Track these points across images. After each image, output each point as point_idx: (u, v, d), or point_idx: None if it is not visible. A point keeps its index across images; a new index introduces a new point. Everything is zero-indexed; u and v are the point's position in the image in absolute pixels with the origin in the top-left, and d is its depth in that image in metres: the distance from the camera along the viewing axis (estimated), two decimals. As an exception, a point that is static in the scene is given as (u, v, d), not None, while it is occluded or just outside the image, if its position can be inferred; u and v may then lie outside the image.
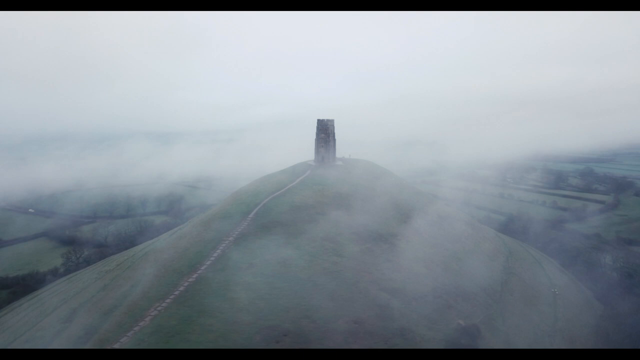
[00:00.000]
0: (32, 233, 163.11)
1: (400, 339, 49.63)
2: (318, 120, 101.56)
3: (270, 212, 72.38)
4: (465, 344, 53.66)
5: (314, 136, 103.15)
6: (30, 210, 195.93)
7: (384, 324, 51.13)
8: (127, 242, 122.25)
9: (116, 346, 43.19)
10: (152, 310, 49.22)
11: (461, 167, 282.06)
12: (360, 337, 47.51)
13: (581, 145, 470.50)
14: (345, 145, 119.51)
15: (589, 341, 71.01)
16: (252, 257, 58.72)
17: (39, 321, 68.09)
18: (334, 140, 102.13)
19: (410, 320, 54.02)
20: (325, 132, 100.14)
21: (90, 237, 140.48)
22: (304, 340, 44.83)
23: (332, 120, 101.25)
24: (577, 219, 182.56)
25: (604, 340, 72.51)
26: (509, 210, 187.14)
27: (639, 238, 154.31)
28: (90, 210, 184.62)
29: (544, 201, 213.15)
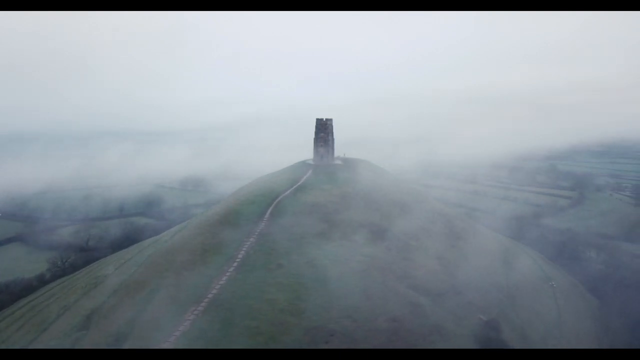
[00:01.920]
0: (2, 238, 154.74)
1: (437, 336, 50.51)
2: (317, 119, 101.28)
3: (285, 211, 71.85)
4: (493, 337, 55.22)
5: (302, 135, 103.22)
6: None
7: (419, 321, 51.89)
8: (114, 245, 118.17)
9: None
10: (188, 314, 47.96)
11: (434, 166, 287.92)
12: (401, 336, 48.03)
13: (542, 143, 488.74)
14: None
15: (591, 332, 74.25)
16: (278, 258, 58.22)
17: (45, 329, 65.16)
18: (333, 139, 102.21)
19: (439, 316, 55.03)
20: (324, 131, 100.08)
21: (72, 240, 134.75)
22: (350, 340, 44.93)
23: (331, 120, 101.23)
24: (550, 214, 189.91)
25: (604, 330, 76.02)
26: (486, 207, 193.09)
27: (609, 231, 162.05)
28: (66, 213, 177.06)
29: (516, 197, 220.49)
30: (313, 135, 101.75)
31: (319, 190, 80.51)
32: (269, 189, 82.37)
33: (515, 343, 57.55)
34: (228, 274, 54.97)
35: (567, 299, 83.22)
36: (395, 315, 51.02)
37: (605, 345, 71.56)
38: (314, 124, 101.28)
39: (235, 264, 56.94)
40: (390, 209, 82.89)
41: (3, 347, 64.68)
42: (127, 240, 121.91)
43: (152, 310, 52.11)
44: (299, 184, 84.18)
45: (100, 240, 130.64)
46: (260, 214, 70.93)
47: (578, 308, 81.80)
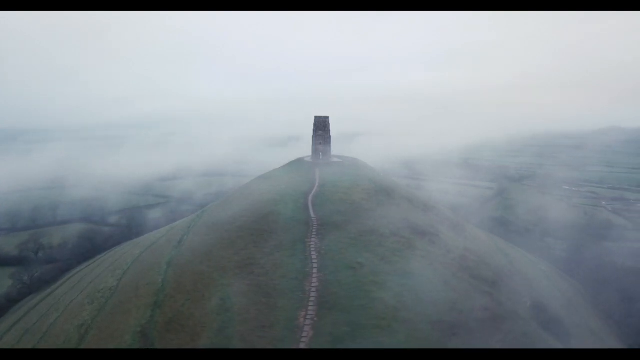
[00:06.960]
0: None
1: (520, 321, 54.02)
2: (315, 117, 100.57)
3: (327, 211, 70.58)
4: (551, 319, 60.29)
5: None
6: None
7: (500, 308, 55.22)
8: (80, 255, 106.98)
9: None
10: (300, 319, 46.23)
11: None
12: (500, 323, 50.90)
13: (447, 140, 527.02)
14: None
15: (591, 310, 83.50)
16: (354, 257, 57.85)
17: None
18: (330, 137, 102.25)
19: (506, 302, 58.78)
20: (323, 128, 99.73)
21: (14, 251, 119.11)
22: (469, 331, 46.68)
23: (328, 117, 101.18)
24: (483, 205, 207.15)
25: (596, 307, 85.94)
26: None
27: (533, 219, 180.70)
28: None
29: (448, 190, 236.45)
30: (312, 133, 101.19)
31: (343, 187, 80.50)
32: (291, 188, 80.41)
33: (561, 322, 63.25)
34: (315, 275, 53.53)
35: (557, 282, 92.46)
36: (483, 305, 53.70)
37: (603, 320, 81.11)
38: (312, 121, 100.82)
39: (315, 265, 55.49)
40: (407, 203, 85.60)
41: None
42: (93, 247, 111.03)
43: (246, 319, 49.04)
44: (318, 182, 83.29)
45: (55, 249, 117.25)
46: (304, 214, 69.35)
47: (568, 289, 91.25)
